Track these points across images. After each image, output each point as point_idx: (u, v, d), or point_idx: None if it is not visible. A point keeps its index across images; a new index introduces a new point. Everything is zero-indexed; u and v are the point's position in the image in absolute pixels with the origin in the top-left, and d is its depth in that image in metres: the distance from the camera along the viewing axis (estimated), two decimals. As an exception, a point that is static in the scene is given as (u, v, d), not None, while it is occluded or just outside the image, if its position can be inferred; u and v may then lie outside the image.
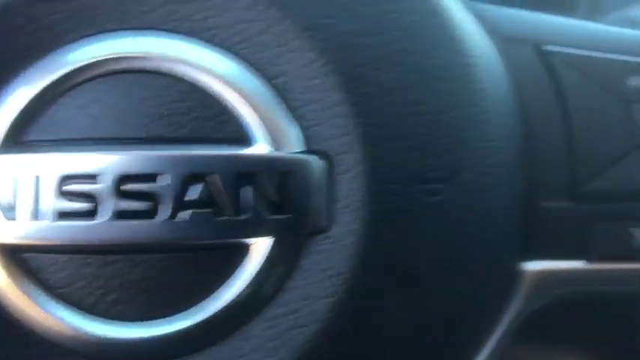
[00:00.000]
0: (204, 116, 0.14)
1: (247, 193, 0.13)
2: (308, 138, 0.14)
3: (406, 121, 0.14)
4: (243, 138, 0.14)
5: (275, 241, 0.14)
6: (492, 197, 0.16)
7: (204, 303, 0.14)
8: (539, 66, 0.21)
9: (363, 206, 0.14)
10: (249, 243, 0.14)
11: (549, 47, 0.21)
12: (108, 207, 0.13)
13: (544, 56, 0.21)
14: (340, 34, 0.14)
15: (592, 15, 0.47)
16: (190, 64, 0.14)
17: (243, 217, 0.13)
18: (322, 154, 0.14)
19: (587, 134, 0.20)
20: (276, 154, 0.14)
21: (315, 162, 0.14)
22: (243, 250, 0.14)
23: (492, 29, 0.22)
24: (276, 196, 0.13)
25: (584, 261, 0.19)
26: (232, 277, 0.14)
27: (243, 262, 0.14)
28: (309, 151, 0.14)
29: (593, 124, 0.20)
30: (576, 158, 0.20)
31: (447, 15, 0.16)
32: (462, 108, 0.15)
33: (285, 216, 0.14)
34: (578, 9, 0.47)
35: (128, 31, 0.14)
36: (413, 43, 0.15)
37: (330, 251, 0.14)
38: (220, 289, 0.14)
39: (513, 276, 0.20)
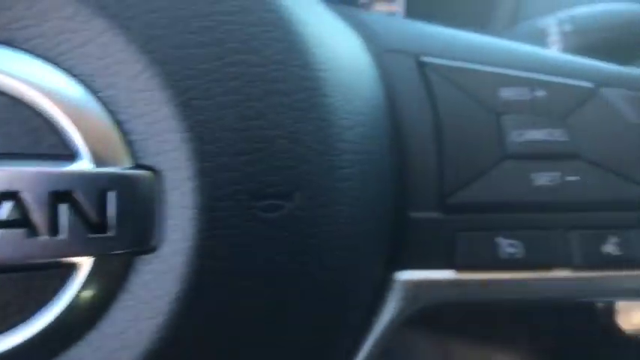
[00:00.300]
0: (21, 130, 0.13)
1: (64, 211, 0.13)
2: (135, 153, 0.14)
3: (242, 136, 0.14)
4: (64, 154, 0.13)
5: (97, 260, 0.13)
6: (345, 210, 0.16)
7: (20, 326, 0.13)
8: (417, 77, 0.21)
9: (194, 224, 0.14)
10: (74, 263, 0.13)
11: (426, 58, 0.21)
12: None
13: (421, 67, 0.21)
14: (171, 46, 0.14)
15: (512, 23, 0.49)
16: (8, 75, 0.13)
17: (59, 236, 0.13)
18: (150, 170, 0.14)
19: (457, 146, 0.20)
20: (96, 170, 0.13)
21: (143, 178, 0.14)
22: (66, 271, 0.13)
23: (373, 39, 0.22)
24: (96, 214, 0.13)
25: (453, 270, 0.20)
26: (53, 299, 0.13)
27: (66, 283, 0.13)
28: (136, 167, 0.14)
29: (464, 135, 0.20)
30: (446, 170, 0.20)
31: (292, 27, 0.15)
32: (305, 123, 0.15)
33: (107, 235, 0.13)
34: (499, 17, 0.48)
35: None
36: (251, 55, 0.15)
37: (159, 271, 0.14)
38: (40, 311, 0.13)
39: (385, 285, 0.20)
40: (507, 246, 0.19)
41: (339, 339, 0.18)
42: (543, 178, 0.20)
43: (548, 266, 0.20)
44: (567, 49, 0.38)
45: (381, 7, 0.64)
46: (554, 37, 0.38)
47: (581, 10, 0.38)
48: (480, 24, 0.49)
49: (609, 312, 0.37)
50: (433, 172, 0.20)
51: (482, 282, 0.20)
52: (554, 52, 0.22)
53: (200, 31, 0.14)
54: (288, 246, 0.15)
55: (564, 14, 0.38)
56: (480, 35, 0.23)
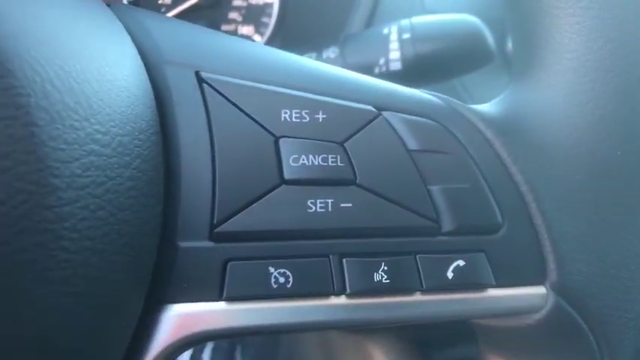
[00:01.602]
0: None
1: None
2: None
3: None
4: None
5: None
6: (61, 255, 0.14)
7: None
8: (196, 94, 0.20)
9: None
10: None
11: (206, 74, 0.20)
12: None
13: (201, 84, 0.20)
14: None
15: (368, 26, 0.49)
16: None
17: None
18: None
19: (233, 171, 0.19)
20: None
21: None
22: None
23: (153, 50, 0.20)
24: None
25: (224, 301, 0.19)
26: None
27: None
28: None
29: (241, 160, 0.19)
30: (219, 195, 0.19)
31: None
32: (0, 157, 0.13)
33: None
34: (357, 19, 0.49)
35: None
36: None
37: None
38: None
39: (149, 320, 0.18)
40: (278, 275, 0.19)
41: None
42: (318, 205, 0.19)
43: (320, 295, 0.19)
44: (405, 55, 0.38)
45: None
46: (393, 43, 0.38)
47: (421, 19, 0.39)
48: (337, 25, 0.49)
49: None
50: (206, 198, 0.19)
51: (253, 312, 0.19)
52: (342, 71, 0.22)
53: None
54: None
55: (405, 22, 0.39)
56: (269, 50, 0.22)
